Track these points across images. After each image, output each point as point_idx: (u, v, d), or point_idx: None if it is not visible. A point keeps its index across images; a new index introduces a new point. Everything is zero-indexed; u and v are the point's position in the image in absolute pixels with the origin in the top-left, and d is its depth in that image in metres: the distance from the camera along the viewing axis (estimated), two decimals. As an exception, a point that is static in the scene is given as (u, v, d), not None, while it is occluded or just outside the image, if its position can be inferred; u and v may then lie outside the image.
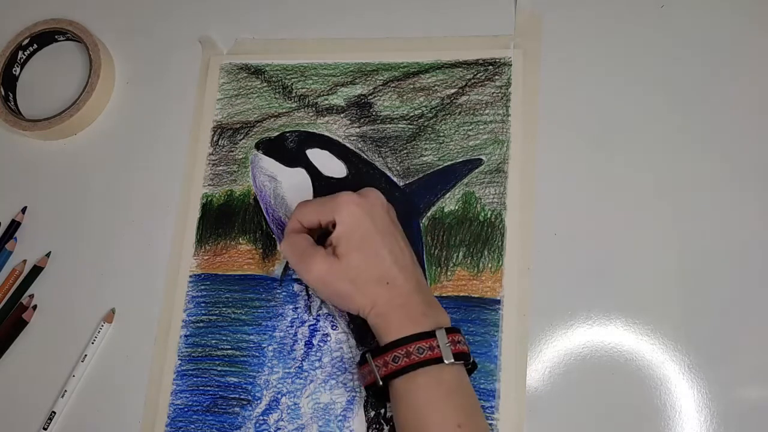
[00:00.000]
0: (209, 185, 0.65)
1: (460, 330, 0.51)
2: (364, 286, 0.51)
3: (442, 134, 0.62)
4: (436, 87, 0.64)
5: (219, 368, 0.60)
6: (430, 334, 0.49)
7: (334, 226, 0.53)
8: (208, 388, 0.60)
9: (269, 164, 0.64)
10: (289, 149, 0.64)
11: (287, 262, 0.61)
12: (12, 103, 0.71)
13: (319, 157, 0.64)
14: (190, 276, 0.63)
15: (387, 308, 0.51)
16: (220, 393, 0.59)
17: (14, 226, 0.67)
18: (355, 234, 0.52)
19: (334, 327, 0.59)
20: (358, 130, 0.64)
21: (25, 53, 0.73)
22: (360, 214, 0.52)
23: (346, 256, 0.52)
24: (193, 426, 0.59)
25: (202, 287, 0.62)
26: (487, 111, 0.62)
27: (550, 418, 0.55)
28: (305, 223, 0.55)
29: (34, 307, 0.65)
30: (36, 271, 0.66)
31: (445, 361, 0.49)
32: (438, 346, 0.49)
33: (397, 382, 0.49)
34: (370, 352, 0.51)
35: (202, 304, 0.62)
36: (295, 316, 0.60)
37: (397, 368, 0.49)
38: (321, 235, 0.56)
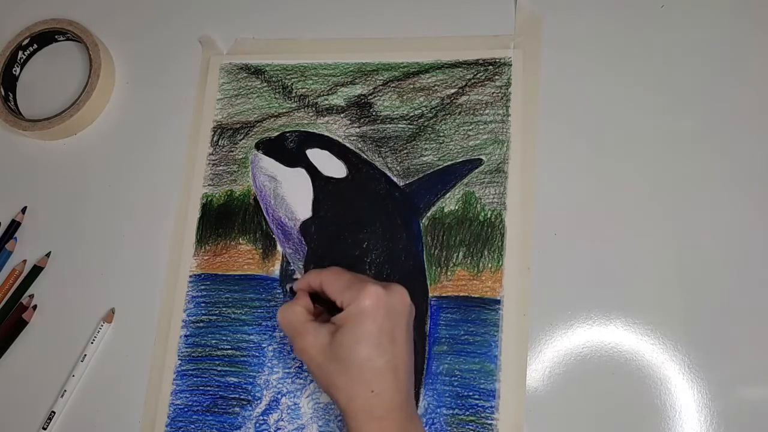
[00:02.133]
0: (209, 185, 0.65)
1: None
2: (350, 381, 0.48)
3: (442, 134, 0.62)
4: (436, 87, 0.64)
5: (219, 368, 0.60)
6: None
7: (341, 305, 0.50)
8: (208, 388, 0.60)
9: (269, 164, 0.64)
10: (289, 149, 0.64)
11: (286, 262, 0.62)
12: (12, 103, 0.71)
13: (319, 157, 0.64)
14: (190, 276, 0.63)
15: (363, 415, 0.47)
16: (220, 393, 0.59)
17: (14, 226, 0.67)
18: (364, 328, 0.48)
19: (334, 327, 0.59)
20: (358, 130, 0.64)
21: (25, 53, 0.73)
22: (377, 311, 0.48)
23: (345, 345, 0.48)
24: (193, 426, 0.59)
25: (202, 287, 0.62)
26: (487, 111, 0.62)
27: (550, 418, 0.55)
28: (322, 288, 0.51)
29: (34, 307, 0.65)
30: (36, 271, 0.66)
31: None
32: None
33: None
34: None
35: (202, 304, 0.62)
36: (295, 316, 0.60)
37: None
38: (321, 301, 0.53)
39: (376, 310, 0.48)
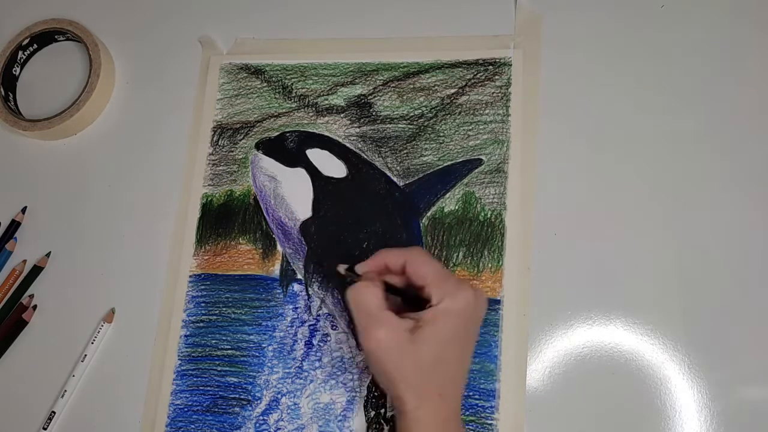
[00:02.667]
0: (209, 185, 0.65)
1: None
2: (423, 381, 0.46)
3: (442, 134, 0.62)
4: (436, 87, 0.64)
5: (219, 368, 0.60)
6: None
7: (425, 300, 0.47)
8: (208, 388, 0.60)
9: (269, 164, 0.64)
10: (289, 149, 0.64)
11: (286, 262, 0.62)
12: (12, 103, 0.71)
13: (319, 157, 0.64)
14: (190, 276, 0.63)
15: (429, 418, 0.46)
16: (220, 393, 0.59)
17: (14, 226, 0.67)
18: (454, 329, 0.46)
19: (334, 327, 0.59)
20: (358, 130, 0.64)
21: (25, 53, 0.73)
22: (468, 315, 0.46)
23: (427, 343, 0.46)
24: (193, 426, 0.59)
25: (202, 287, 0.62)
26: (487, 111, 0.62)
27: (550, 418, 0.55)
28: (405, 271, 0.49)
29: (34, 307, 0.65)
30: (36, 271, 0.66)
31: None
32: None
33: None
34: None
35: (202, 304, 0.62)
36: (295, 316, 0.60)
37: None
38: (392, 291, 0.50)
39: (467, 313, 0.47)
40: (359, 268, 0.51)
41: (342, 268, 0.52)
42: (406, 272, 0.49)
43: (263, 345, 0.60)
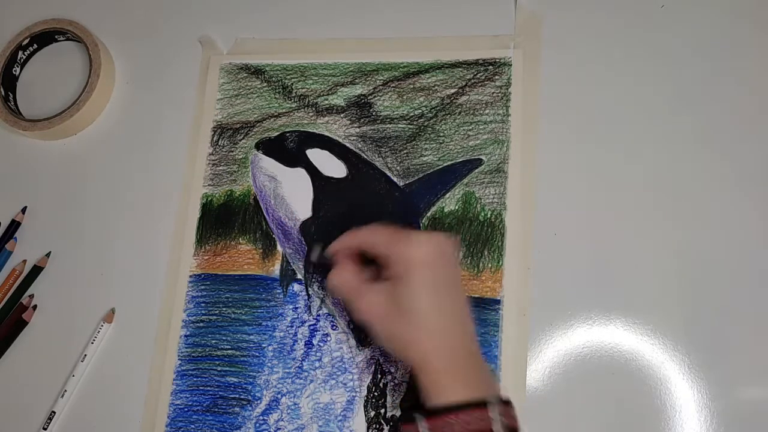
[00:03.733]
0: (209, 185, 0.65)
1: (512, 403, 0.47)
2: (418, 333, 0.47)
3: (442, 134, 0.62)
4: (436, 87, 0.64)
5: (219, 368, 0.60)
6: (484, 404, 0.45)
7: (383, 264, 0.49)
8: (208, 388, 0.60)
9: (269, 164, 0.64)
10: (289, 149, 0.64)
11: (286, 262, 0.62)
12: (12, 103, 0.71)
13: (319, 157, 0.64)
14: (190, 276, 0.63)
15: (443, 365, 0.46)
16: (220, 393, 0.59)
17: (14, 226, 0.67)
18: (420, 276, 0.47)
19: (334, 327, 0.59)
20: (358, 130, 0.64)
21: (25, 53, 0.73)
22: (431, 258, 0.47)
23: (405, 296, 0.47)
24: (193, 426, 0.59)
25: (202, 287, 0.62)
26: (487, 111, 0.62)
27: (550, 418, 0.55)
28: (361, 248, 0.51)
29: (34, 307, 0.65)
30: (36, 271, 0.66)
31: None
32: (491, 419, 0.44)
33: None
34: (419, 412, 0.46)
35: (202, 304, 0.62)
36: (295, 316, 0.60)
37: None
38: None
39: (428, 257, 0.47)
40: (329, 251, 0.53)
41: (314, 256, 0.55)
42: (363, 249, 0.51)
43: (263, 345, 0.60)
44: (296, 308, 0.60)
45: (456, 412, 0.45)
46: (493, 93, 0.62)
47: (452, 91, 0.63)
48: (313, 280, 0.60)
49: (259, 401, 0.59)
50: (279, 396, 0.58)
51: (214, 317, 0.61)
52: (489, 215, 0.59)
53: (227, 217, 0.64)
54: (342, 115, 0.65)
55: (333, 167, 0.63)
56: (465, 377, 0.47)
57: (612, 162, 0.59)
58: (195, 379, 0.60)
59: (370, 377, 0.57)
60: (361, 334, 0.58)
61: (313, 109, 0.65)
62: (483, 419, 0.45)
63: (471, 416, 0.45)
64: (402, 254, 0.48)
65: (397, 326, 0.48)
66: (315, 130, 0.65)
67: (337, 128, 0.64)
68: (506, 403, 0.46)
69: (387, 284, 0.48)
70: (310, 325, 0.60)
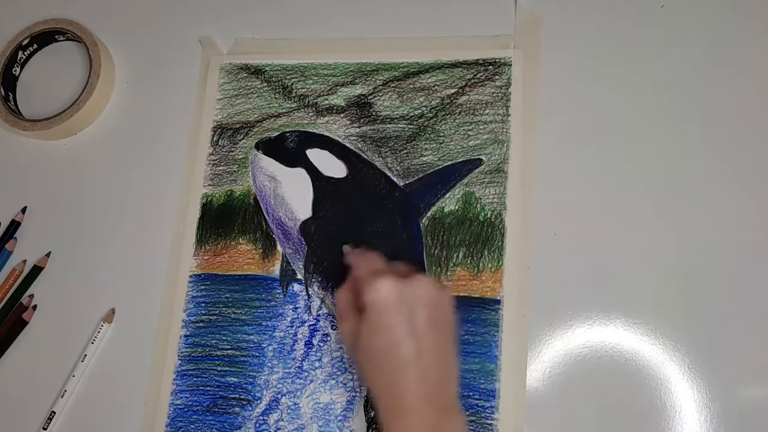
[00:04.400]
0: (209, 185, 0.65)
1: None
2: (373, 372, 0.48)
3: (442, 134, 0.62)
4: (436, 87, 0.64)
5: (219, 368, 0.60)
6: None
7: None
8: (208, 388, 0.60)
9: (269, 164, 0.64)
10: (289, 149, 0.64)
11: (286, 262, 0.62)
12: (12, 103, 0.71)
13: (319, 157, 0.64)
14: (190, 276, 0.63)
15: (389, 410, 0.47)
16: (220, 393, 0.59)
17: (14, 226, 0.67)
18: (377, 320, 0.47)
19: (334, 327, 0.59)
20: (358, 130, 0.64)
21: (25, 53, 0.73)
22: (391, 304, 0.47)
23: (363, 335, 0.48)
24: (193, 426, 0.59)
25: (202, 287, 0.62)
26: (487, 111, 0.62)
27: (550, 418, 0.55)
28: (356, 275, 0.52)
29: (34, 307, 0.65)
30: (36, 271, 0.66)
31: None
32: None
33: None
34: None
35: (202, 304, 0.62)
36: (295, 316, 0.60)
37: None
38: None
39: (389, 302, 0.47)
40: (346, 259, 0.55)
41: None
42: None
43: (263, 345, 0.60)
44: (296, 308, 0.60)
45: None
46: (493, 93, 0.62)
47: (452, 91, 0.63)
48: (313, 280, 0.60)
49: (259, 401, 0.59)
50: (279, 396, 0.58)
51: (214, 317, 0.61)
52: (489, 215, 0.59)
53: (227, 217, 0.64)
54: (342, 115, 0.65)
55: (333, 167, 0.63)
56: (414, 419, 0.46)
57: (612, 162, 0.59)
58: (195, 379, 0.60)
59: (370, 377, 0.57)
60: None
61: (313, 109, 0.65)
62: None
63: None
64: (366, 294, 0.48)
65: (358, 361, 0.49)
66: (315, 130, 0.65)
67: (337, 128, 0.64)
68: None
69: (360, 317, 0.49)
70: (310, 325, 0.60)
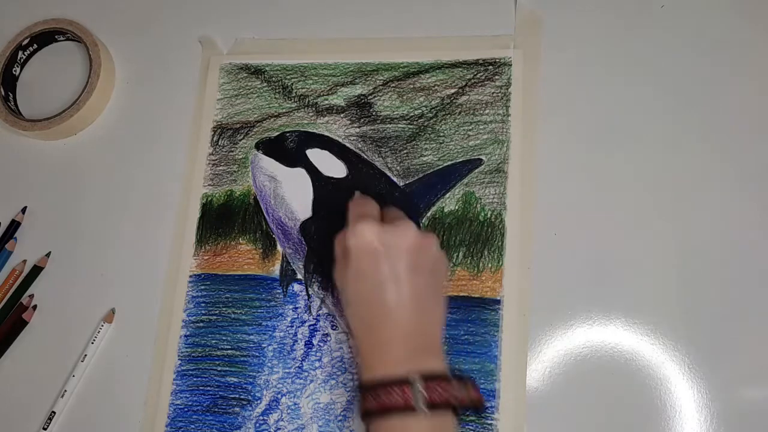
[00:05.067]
0: (209, 185, 0.65)
1: (449, 378, 0.47)
2: (350, 315, 0.50)
3: (442, 134, 0.62)
4: (436, 87, 0.64)
5: (219, 368, 0.60)
6: (404, 380, 0.46)
7: None
8: (208, 388, 0.60)
9: (269, 164, 0.64)
10: (289, 149, 0.64)
11: (286, 262, 0.62)
12: (12, 103, 0.71)
13: (319, 157, 0.64)
14: (190, 276, 0.63)
15: (371, 343, 0.48)
16: (220, 393, 0.59)
17: (14, 226, 0.67)
18: (351, 266, 0.49)
19: (334, 327, 0.59)
20: (358, 130, 0.64)
21: (25, 53, 0.73)
22: (365, 251, 0.48)
23: (339, 280, 0.51)
24: (193, 426, 0.59)
25: (202, 287, 0.62)
26: (487, 111, 0.62)
27: (550, 418, 0.55)
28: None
29: (34, 307, 0.65)
30: (36, 271, 0.66)
31: (418, 410, 0.45)
32: (410, 393, 0.45)
33: (370, 425, 0.47)
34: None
35: (202, 304, 0.62)
36: (295, 316, 0.60)
37: (368, 409, 0.46)
38: None
39: (368, 246, 0.48)
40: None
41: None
42: None
43: (263, 345, 0.60)
44: (296, 308, 0.60)
45: (373, 389, 0.46)
46: (493, 93, 0.62)
47: (452, 91, 0.63)
48: (313, 280, 0.60)
49: (259, 401, 0.59)
50: (279, 396, 0.58)
51: (214, 317, 0.61)
52: (489, 215, 0.59)
53: (227, 217, 0.64)
54: (342, 115, 0.65)
55: (333, 167, 0.63)
56: (387, 356, 0.47)
57: (612, 162, 0.59)
58: (195, 379, 0.60)
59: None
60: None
61: (313, 109, 0.65)
62: (401, 394, 0.45)
63: (388, 391, 0.46)
64: (346, 239, 0.49)
65: (342, 302, 0.51)
66: (315, 130, 0.65)
67: (337, 128, 0.64)
68: (440, 378, 0.47)
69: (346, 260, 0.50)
70: (310, 325, 0.60)
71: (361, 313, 0.49)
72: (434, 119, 0.63)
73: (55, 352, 0.63)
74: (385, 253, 0.48)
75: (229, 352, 0.60)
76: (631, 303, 0.56)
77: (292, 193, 0.63)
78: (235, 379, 0.59)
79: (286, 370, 0.59)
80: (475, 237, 0.59)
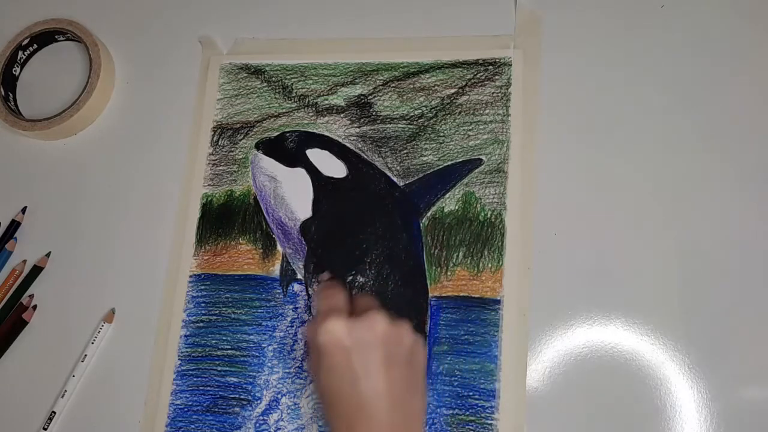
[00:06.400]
0: (209, 185, 0.65)
1: None
2: (325, 410, 0.49)
3: (442, 134, 0.62)
4: (436, 87, 0.64)
5: (219, 368, 0.60)
6: None
7: None
8: (208, 388, 0.60)
9: (269, 164, 0.64)
10: (289, 149, 0.64)
11: (286, 262, 0.62)
12: (12, 103, 0.71)
13: (319, 157, 0.64)
14: (190, 276, 0.63)
15: None
16: (220, 393, 0.59)
17: (14, 226, 0.67)
18: (322, 362, 0.48)
19: (334, 327, 0.59)
20: (358, 130, 0.64)
21: (25, 53, 0.73)
22: (335, 348, 0.47)
23: (312, 374, 0.51)
24: (193, 426, 0.59)
25: (202, 287, 0.62)
26: (487, 111, 0.62)
27: (550, 418, 0.55)
28: None
29: (34, 307, 0.65)
30: (36, 271, 0.66)
31: None
32: None
33: None
34: None
35: (202, 304, 0.62)
36: (295, 316, 0.60)
37: None
38: None
39: (333, 345, 0.47)
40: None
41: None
42: None
43: (263, 345, 0.60)
44: (296, 308, 0.60)
45: None
46: (493, 93, 0.62)
47: (452, 91, 0.63)
48: (313, 280, 0.60)
49: (259, 401, 0.59)
50: (279, 396, 0.58)
51: (214, 317, 0.61)
52: (489, 215, 0.59)
53: (227, 217, 0.64)
54: (342, 115, 0.65)
55: (333, 167, 0.63)
56: None
57: (612, 162, 0.59)
58: (195, 379, 0.60)
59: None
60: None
61: (313, 109, 0.65)
62: None
63: None
64: (317, 336, 0.48)
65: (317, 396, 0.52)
66: (315, 130, 0.65)
67: (337, 128, 0.64)
68: None
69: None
70: (310, 325, 0.60)
71: (337, 410, 0.47)
72: (434, 119, 0.63)
73: (55, 352, 0.63)
74: (356, 348, 0.47)
75: (229, 352, 0.60)
76: (631, 303, 0.56)
77: (292, 193, 0.63)
78: (235, 379, 0.59)
79: (287, 370, 0.59)
80: (475, 237, 0.59)
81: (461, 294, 0.58)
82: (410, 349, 0.49)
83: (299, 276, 0.61)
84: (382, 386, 0.47)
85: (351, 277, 0.60)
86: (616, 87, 0.61)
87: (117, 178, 0.68)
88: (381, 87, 0.65)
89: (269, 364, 0.59)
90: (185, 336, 0.61)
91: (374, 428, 0.46)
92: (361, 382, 0.46)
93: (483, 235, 0.59)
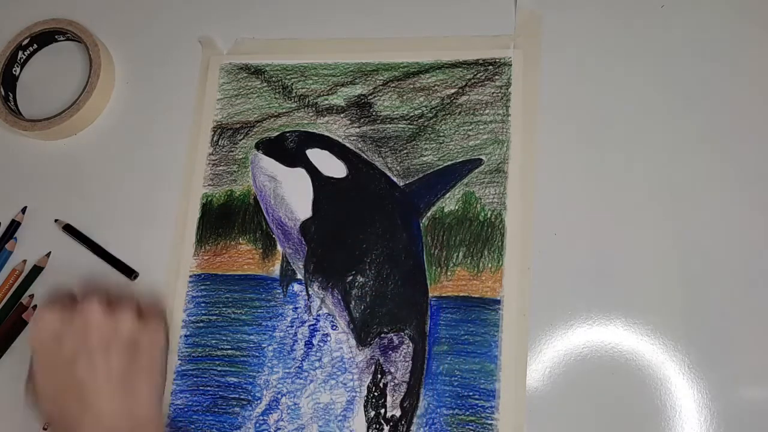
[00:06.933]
0: (209, 185, 0.65)
1: None
2: (49, 407, 0.51)
3: (442, 134, 0.62)
4: (436, 87, 0.64)
5: (219, 368, 0.60)
6: None
7: None
8: (208, 388, 0.60)
9: (269, 164, 0.64)
10: (289, 149, 0.64)
11: (286, 262, 0.62)
12: (12, 103, 0.71)
13: (319, 157, 0.64)
14: (190, 276, 0.63)
15: None
16: (220, 393, 0.59)
17: (14, 226, 0.67)
18: (36, 355, 0.51)
19: (334, 327, 0.59)
20: (358, 130, 0.64)
21: (25, 53, 0.73)
22: (38, 346, 0.50)
23: (36, 376, 0.53)
24: (193, 426, 0.59)
25: (202, 287, 0.62)
26: (487, 111, 0.62)
27: (550, 418, 0.55)
28: None
29: (34, 307, 0.65)
30: (36, 271, 0.66)
31: None
32: None
33: None
34: None
35: (202, 304, 0.62)
36: (295, 316, 0.60)
37: None
38: None
39: (44, 333, 0.49)
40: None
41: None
42: None
43: (263, 345, 0.60)
44: (296, 308, 0.60)
45: None
46: (493, 93, 0.62)
47: (452, 91, 0.63)
48: (313, 280, 0.60)
49: (259, 401, 0.59)
50: (279, 396, 0.58)
51: (214, 317, 0.61)
52: (489, 215, 0.59)
53: (227, 217, 0.64)
54: (342, 115, 0.65)
55: (333, 167, 0.63)
56: None
57: (612, 162, 0.59)
58: (195, 379, 0.60)
59: (370, 377, 0.57)
60: (362, 334, 0.58)
61: (313, 109, 0.65)
62: None
63: None
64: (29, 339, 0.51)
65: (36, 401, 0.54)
66: (315, 130, 0.65)
67: (337, 128, 0.64)
68: None
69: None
70: (310, 325, 0.60)
71: (58, 404, 0.49)
72: (434, 119, 0.63)
73: (55, 352, 0.63)
74: (70, 332, 0.48)
75: (229, 352, 0.60)
76: (631, 303, 0.56)
77: (292, 193, 0.63)
78: (235, 379, 0.59)
79: (286, 370, 0.59)
80: (475, 237, 0.59)
81: (461, 294, 0.58)
82: (129, 336, 0.52)
83: (299, 276, 0.61)
84: (102, 371, 0.50)
85: (351, 277, 0.60)
86: (616, 87, 0.61)
87: (117, 178, 0.68)
88: (381, 87, 0.65)
89: (269, 364, 0.59)
90: (185, 336, 0.61)
91: (96, 418, 0.48)
92: (78, 363, 0.49)
93: (483, 235, 0.59)
